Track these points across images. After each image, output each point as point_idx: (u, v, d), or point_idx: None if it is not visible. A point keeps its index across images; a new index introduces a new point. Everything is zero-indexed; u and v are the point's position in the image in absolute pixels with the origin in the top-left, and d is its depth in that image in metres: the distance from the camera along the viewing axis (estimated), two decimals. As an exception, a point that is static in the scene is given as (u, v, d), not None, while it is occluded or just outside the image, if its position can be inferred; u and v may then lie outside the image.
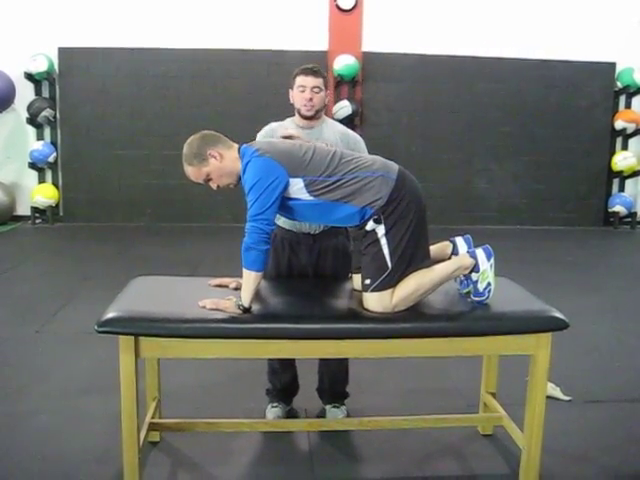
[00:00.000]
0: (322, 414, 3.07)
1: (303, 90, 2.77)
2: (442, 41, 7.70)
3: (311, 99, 2.77)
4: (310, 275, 2.85)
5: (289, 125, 2.86)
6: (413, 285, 2.37)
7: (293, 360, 3.00)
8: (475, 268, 2.43)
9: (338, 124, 2.97)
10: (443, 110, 8.00)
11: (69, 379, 3.46)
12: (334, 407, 3.05)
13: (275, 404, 3.04)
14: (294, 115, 2.88)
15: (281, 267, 2.86)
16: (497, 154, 8.10)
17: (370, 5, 7.68)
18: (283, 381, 3.04)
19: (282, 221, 2.79)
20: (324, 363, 3.02)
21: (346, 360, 3.00)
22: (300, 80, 2.79)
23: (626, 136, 8.19)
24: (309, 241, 2.83)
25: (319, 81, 2.79)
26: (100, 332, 2.24)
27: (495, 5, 7.77)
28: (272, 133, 2.81)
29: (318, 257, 2.85)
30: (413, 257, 2.38)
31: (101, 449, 2.72)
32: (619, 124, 8.08)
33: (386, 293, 2.36)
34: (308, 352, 2.47)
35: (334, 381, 3.05)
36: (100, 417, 2.97)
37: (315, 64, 2.87)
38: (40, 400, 3.19)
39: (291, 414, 3.09)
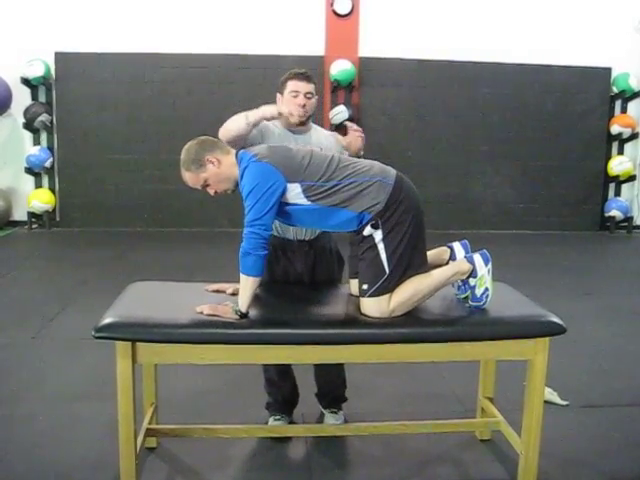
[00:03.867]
0: (320, 420, 3.06)
1: (296, 95, 2.69)
2: (439, 46, 7.72)
3: (304, 105, 2.69)
4: (306, 282, 2.79)
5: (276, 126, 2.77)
6: (410, 290, 2.37)
7: (289, 368, 2.96)
8: (473, 273, 2.44)
9: (321, 128, 2.91)
10: (440, 115, 8.02)
11: (66, 384, 3.45)
12: (332, 412, 3.04)
13: (278, 416, 2.97)
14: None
15: (276, 276, 2.78)
16: (494, 159, 8.12)
17: (367, 10, 7.70)
18: (283, 393, 2.98)
19: (276, 231, 2.73)
20: (319, 370, 2.98)
21: (341, 365, 2.98)
22: (292, 85, 2.70)
23: (622, 141, 8.22)
24: (305, 247, 2.78)
25: (311, 87, 2.72)
26: (97, 338, 2.24)
27: (492, 10, 7.80)
28: (264, 129, 2.70)
29: (314, 262, 2.80)
30: (410, 262, 2.38)
31: (98, 455, 2.71)
32: (615, 129, 8.10)
33: (383, 298, 2.36)
34: (306, 358, 2.46)
35: (332, 386, 3.04)
36: (97, 423, 2.96)
37: (306, 69, 2.78)
38: (36, 405, 3.18)
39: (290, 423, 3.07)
